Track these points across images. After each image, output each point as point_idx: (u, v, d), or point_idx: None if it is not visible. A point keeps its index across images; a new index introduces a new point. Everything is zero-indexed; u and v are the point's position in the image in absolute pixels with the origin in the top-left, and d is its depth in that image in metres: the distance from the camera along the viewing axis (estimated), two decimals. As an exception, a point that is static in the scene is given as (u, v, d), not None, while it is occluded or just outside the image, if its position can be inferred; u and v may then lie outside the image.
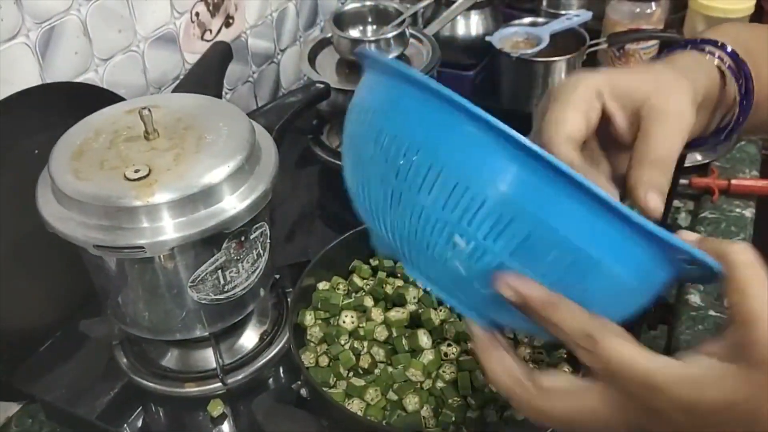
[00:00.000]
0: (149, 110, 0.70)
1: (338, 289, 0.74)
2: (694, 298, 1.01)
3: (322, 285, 0.75)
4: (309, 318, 0.71)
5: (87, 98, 0.85)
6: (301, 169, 1.21)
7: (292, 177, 1.19)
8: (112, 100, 0.85)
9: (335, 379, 0.67)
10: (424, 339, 0.66)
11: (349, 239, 0.77)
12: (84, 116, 0.75)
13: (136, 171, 0.67)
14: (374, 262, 0.78)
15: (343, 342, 0.68)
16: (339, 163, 1.16)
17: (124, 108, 0.77)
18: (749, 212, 1.17)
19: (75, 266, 0.74)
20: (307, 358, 0.68)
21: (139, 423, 0.79)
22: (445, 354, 0.65)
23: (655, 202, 0.48)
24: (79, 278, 0.76)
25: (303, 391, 0.62)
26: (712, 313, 0.98)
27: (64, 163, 0.69)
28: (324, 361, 0.68)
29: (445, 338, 0.67)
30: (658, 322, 0.91)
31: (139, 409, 0.80)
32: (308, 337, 0.71)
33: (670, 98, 0.51)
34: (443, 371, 0.63)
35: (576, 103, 0.50)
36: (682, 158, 1.14)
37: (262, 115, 0.86)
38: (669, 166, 0.50)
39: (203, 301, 0.74)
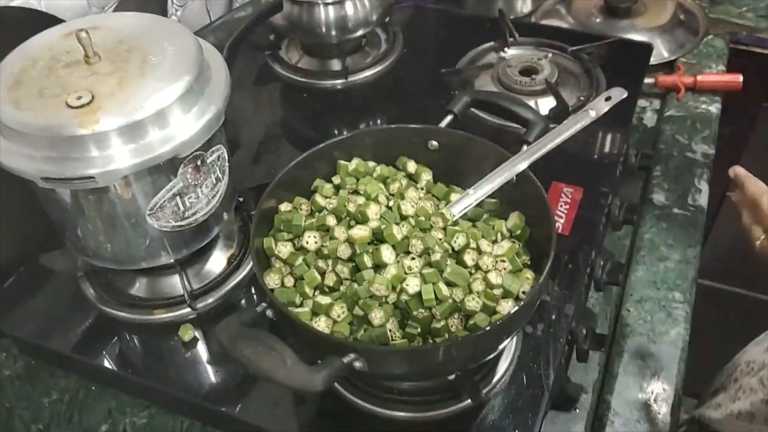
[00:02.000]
0: (87, 32, 0.66)
1: (300, 209, 0.74)
2: (659, 197, 1.02)
3: (284, 206, 0.74)
4: (272, 241, 0.70)
5: (25, 24, 0.80)
6: (261, 86, 1.17)
7: (253, 96, 1.16)
8: (53, 24, 0.80)
9: (301, 299, 0.67)
10: (387, 254, 0.66)
11: (309, 158, 0.75)
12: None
13: (78, 98, 0.64)
14: (336, 181, 0.77)
15: (307, 262, 0.68)
16: (299, 79, 1.16)
17: (62, 31, 0.72)
18: (715, 108, 1.17)
19: (32, 200, 0.72)
20: (272, 280, 0.68)
21: (114, 352, 0.79)
22: (409, 268, 0.65)
23: None
24: (37, 211, 0.75)
25: (269, 312, 0.62)
26: (676, 210, 0.99)
27: (3, 94, 0.65)
28: (289, 281, 0.68)
29: (408, 252, 0.67)
30: (622, 223, 0.92)
31: (112, 339, 0.80)
32: (272, 259, 0.70)
33: None
34: (407, 285, 0.64)
35: None
36: (648, 55, 1.12)
37: (210, 32, 0.82)
38: None
39: (164, 229, 0.73)
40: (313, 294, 0.67)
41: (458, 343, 0.60)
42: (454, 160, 0.77)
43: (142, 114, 0.64)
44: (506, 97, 0.86)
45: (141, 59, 0.68)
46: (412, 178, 0.78)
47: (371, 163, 0.78)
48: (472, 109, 0.84)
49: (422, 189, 0.76)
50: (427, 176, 0.77)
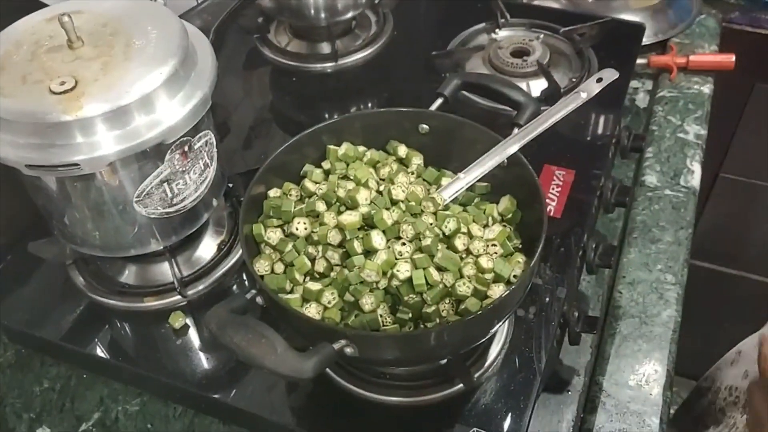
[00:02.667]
0: (69, 17, 0.65)
1: (290, 195, 0.73)
2: (651, 179, 1.01)
3: (273, 192, 0.73)
4: (261, 227, 0.70)
5: (7, 8, 0.78)
6: (250, 70, 1.16)
7: (242, 80, 1.14)
8: (36, 9, 0.79)
9: (291, 285, 0.66)
10: (377, 240, 0.65)
11: (298, 143, 0.75)
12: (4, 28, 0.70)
13: (62, 83, 0.63)
14: (326, 166, 0.76)
15: (297, 248, 0.68)
16: (288, 62, 1.14)
17: (44, 16, 0.71)
18: (707, 88, 1.17)
19: (19, 187, 0.71)
20: (262, 267, 0.67)
21: (104, 341, 0.78)
22: (399, 253, 0.65)
23: None
24: (24, 199, 0.74)
25: (259, 299, 0.62)
26: (668, 192, 0.99)
27: (-15, 80, 0.64)
28: (279, 268, 0.68)
29: (399, 237, 0.66)
30: (614, 205, 0.92)
31: (102, 327, 0.79)
32: (262, 245, 0.70)
33: None
34: (397, 270, 0.63)
35: None
36: (640, 35, 1.11)
37: (197, 15, 0.81)
38: None
39: (152, 216, 0.72)
40: (303, 280, 0.67)
41: (449, 328, 0.60)
42: (444, 143, 0.76)
43: (126, 99, 0.63)
44: (497, 79, 0.85)
45: (125, 43, 0.67)
46: (403, 163, 0.77)
47: (361, 148, 0.77)
48: (463, 92, 0.84)
49: (413, 173, 0.76)
50: (417, 160, 0.77)
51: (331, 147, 0.76)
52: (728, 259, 1.71)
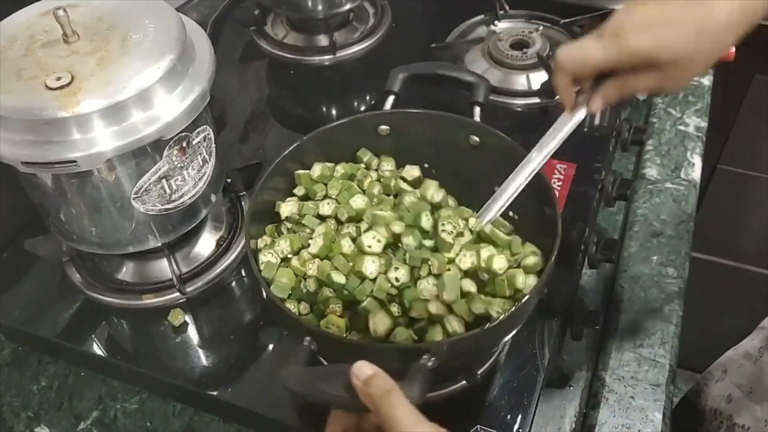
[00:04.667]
0: (65, 10, 0.64)
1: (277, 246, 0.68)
2: (651, 172, 1.01)
3: (262, 242, 0.68)
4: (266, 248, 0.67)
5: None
6: (247, 63, 1.15)
7: (239, 73, 1.13)
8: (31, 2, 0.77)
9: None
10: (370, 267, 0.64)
11: (267, 183, 0.70)
12: (-2, 22, 0.69)
13: (58, 79, 0.62)
14: (300, 192, 0.73)
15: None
16: (286, 55, 1.13)
17: (39, 9, 0.70)
18: (707, 80, 1.16)
19: (15, 183, 0.70)
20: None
21: (102, 338, 0.78)
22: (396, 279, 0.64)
23: None
24: (20, 195, 0.73)
25: (314, 346, 0.59)
26: (669, 185, 0.99)
27: (-21, 76, 0.63)
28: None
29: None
30: (616, 199, 0.91)
31: (100, 324, 0.79)
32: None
33: None
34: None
35: None
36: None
37: (193, 7, 0.80)
38: None
39: (151, 212, 0.71)
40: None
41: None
42: (402, 140, 0.75)
43: (124, 95, 0.62)
44: (441, 65, 0.84)
45: (121, 38, 0.66)
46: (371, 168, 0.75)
47: (331, 165, 0.75)
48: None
49: (383, 178, 0.74)
50: (389, 165, 0.75)
51: (301, 172, 0.73)
52: (726, 251, 1.71)
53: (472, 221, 0.69)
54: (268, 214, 0.71)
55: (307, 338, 0.57)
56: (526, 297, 0.59)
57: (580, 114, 0.66)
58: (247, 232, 0.65)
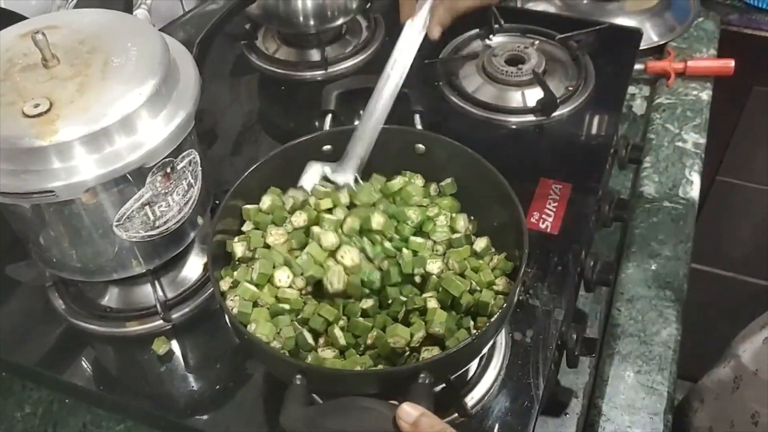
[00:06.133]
0: (43, 34, 0.62)
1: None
2: (649, 189, 0.99)
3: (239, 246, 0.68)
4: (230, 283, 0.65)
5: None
6: (237, 78, 1.12)
7: (229, 88, 1.11)
8: (13, 22, 0.75)
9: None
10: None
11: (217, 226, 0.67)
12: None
13: (35, 106, 0.60)
14: (248, 227, 0.70)
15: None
16: (277, 70, 1.11)
17: (19, 31, 0.68)
18: (706, 95, 1.14)
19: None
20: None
21: (85, 367, 0.75)
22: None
23: None
24: (1, 219, 0.70)
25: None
26: (666, 204, 0.97)
27: (-45, 101, 0.61)
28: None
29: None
30: (612, 220, 0.89)
31: (82, 352, 0.76)
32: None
33: None
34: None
35: None
36: (638, 42, 1.08)
37: (180, 26, 0.78)
38: None
39: (134, 239, 0.69)
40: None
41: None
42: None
43: (104, 122, 0.60)
44: (371, 78, 0.82)
45: (103, 61, 0.64)
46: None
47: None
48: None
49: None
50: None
51: (248, 207, 0.70)
52: (723, 261, 1.69)
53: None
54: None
55: (298, 376, 0.55)
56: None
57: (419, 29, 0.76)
58: (216, 282, 0.63)
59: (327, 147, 0.74)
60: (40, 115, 0.59)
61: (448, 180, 0.73)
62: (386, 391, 0.55)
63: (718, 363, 0.91)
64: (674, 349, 0.81)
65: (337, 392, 0.55)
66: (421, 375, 0.53)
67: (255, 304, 0.64)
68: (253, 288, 0.63)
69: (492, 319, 0.58)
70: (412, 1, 0.76)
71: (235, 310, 0.62)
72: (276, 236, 0.67)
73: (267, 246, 0.67)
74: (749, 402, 0.81)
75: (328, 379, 0.57)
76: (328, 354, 0.61)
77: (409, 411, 0.49)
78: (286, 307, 0.63)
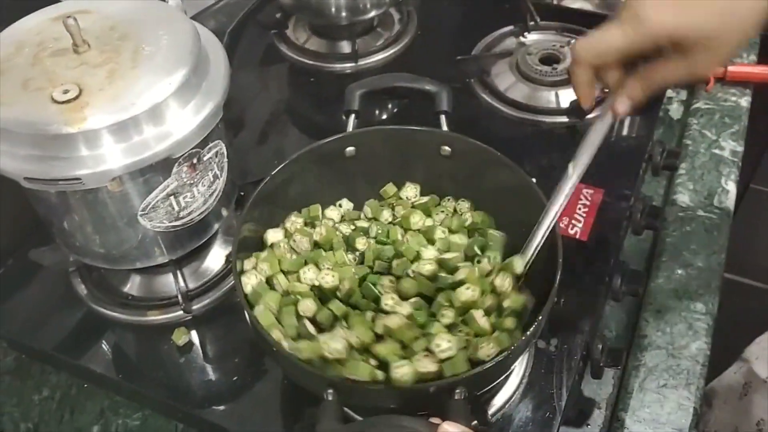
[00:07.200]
0: (74, 19, 0.61)
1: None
2: (683, 198, 0.96)
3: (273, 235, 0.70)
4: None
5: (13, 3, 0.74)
6: (267, 67, 1.11)
7: (258, 77, 1.10)
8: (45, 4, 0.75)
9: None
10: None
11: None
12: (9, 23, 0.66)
13: (65, 92, 0.59)
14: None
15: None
16: (306, 61, 1.10)
17: (50, 14, 0.68)
18: (745, 101, 1.11)
19: (18, 189, 0.68)
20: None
21: (104, 354, 0.75)
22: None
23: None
24: (25, 202, 0.70)
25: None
26: (701, 213, 0.94)
27: (-16, 84, 0.61)
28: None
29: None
30: (644, 227, 0.87)
31: (102, 338, 0.76)
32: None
33: None
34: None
35: None
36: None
37: (211, 15, 0.77)
38: None
39: (158, 229, 0.69)
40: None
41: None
42: (371, 159, 0.74)
43: (132, 111, 0.59)
44: (398, 77, 0.81)
45: (133, 49, 0.63)
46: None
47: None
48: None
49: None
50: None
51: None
52: (757, 272, 1.66)
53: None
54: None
55: (330, 390, 0.54)
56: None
57: (608, 119, 0.62)
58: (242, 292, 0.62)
59: (350, 149, 0.73)
60: (69, 101, 0.58)
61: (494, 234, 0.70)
62: (419, 405, 0.54)
63: (730, 367, 0.89)
64: (703, 363, 0.79)
65: (367, 407, 0.54)
66: (457, 390, 0.52)
67: (270, 287, 0.64)
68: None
69: (528, 331, 0.56)
70: (592, 89, 0.61)
71: (248, 288, 0.63)
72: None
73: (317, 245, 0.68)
74: (756, 409, 0.79)
75: (360, 393, 0.56)
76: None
77: (450, 431, 0.48)
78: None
